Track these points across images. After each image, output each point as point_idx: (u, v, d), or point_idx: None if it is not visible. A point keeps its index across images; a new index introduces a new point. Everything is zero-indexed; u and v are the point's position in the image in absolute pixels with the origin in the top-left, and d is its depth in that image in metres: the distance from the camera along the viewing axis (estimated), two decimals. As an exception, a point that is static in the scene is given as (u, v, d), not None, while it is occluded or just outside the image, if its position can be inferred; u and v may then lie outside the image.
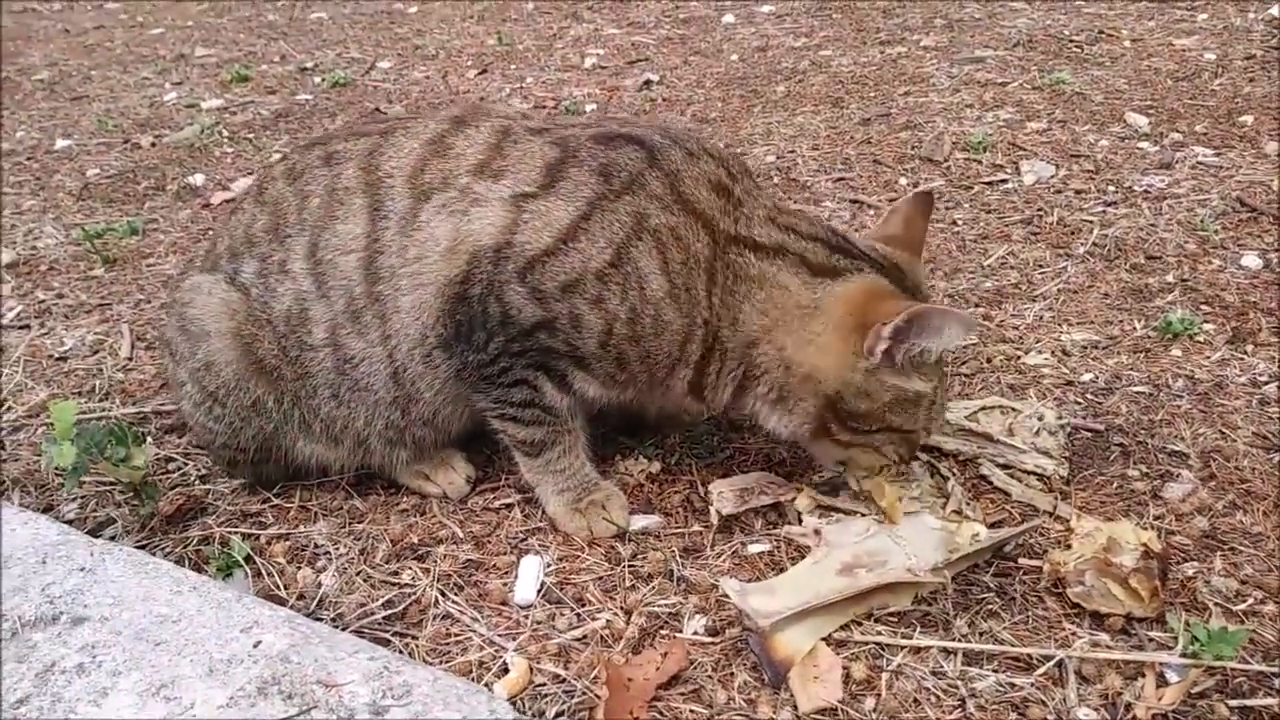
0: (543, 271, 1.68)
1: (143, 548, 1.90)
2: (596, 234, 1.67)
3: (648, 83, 4.69)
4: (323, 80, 5.18)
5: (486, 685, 1.52)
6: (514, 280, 1.68)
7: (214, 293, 1.85)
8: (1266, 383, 2.16)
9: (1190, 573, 1.69)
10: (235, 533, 1.92)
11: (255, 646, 1.36)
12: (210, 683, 1.30)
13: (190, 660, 1.34)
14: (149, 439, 2.24)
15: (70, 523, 1.97)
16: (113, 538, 1.94)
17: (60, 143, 4.45)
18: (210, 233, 2.99)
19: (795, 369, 1.70)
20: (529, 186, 1.71)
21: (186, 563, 1.86)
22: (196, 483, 2.11)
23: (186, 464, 2.17)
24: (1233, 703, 1.44)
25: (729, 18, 5.77)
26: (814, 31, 5.33)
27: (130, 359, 2.66)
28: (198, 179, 3.91)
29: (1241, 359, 2.25)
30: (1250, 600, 1.63)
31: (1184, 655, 1.51)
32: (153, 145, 4.37)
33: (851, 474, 1.85)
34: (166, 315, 2.01)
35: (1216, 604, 1.62)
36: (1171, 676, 1.49)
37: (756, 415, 1.80)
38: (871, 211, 3.16)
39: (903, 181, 3.35)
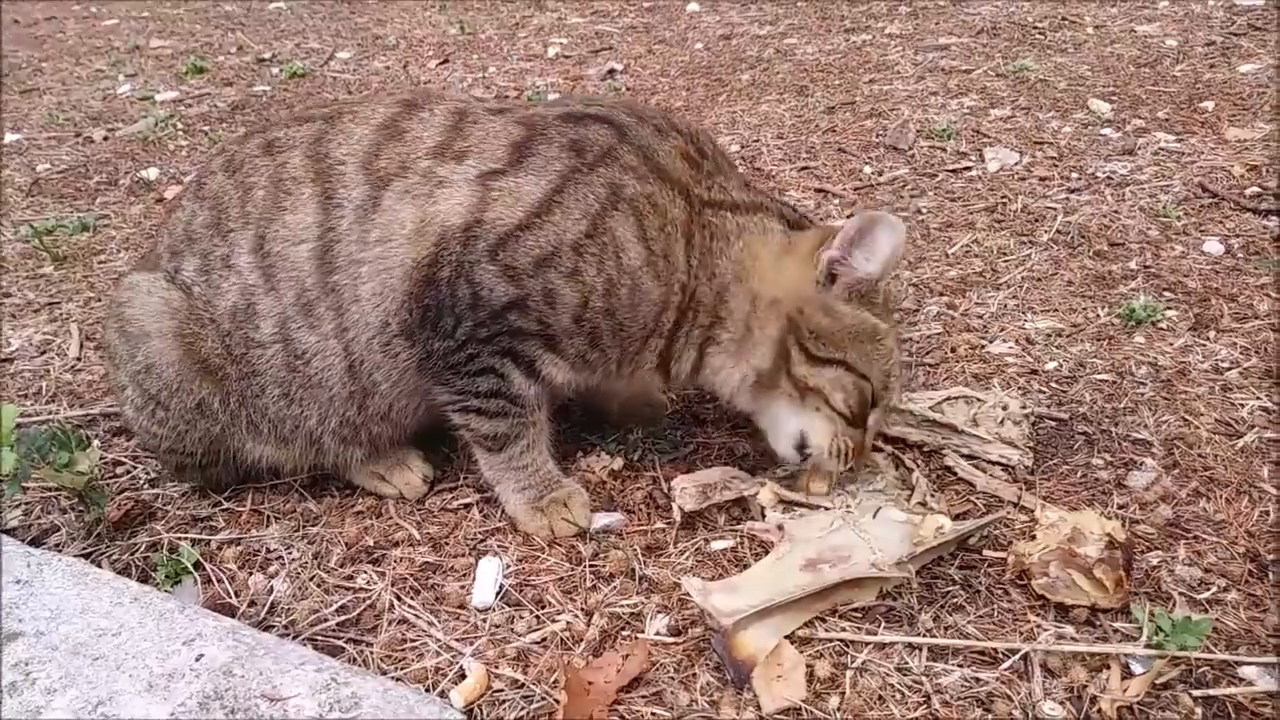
0: (515, 247, 1.66)
1: (88, 555, 1.84)
2: (570, 206, 1.67)
3: (611, 72, 4.64)
4: (280, 71, 5.08)
5: (443, 692, 1.48)
6: (485, 259, 1.66)
7: (153, 292, 1.79)
8: (1228, 369, 2.15)
9: (1154, 562, 1.68)
10: (185, 538, 1.86)
11: (198, 660, 1.31)
12: (150, 699, 1.25)
13: (130, 675, 1.29)
14: (96, 442, 2.17)
15: (12, 531, 1.91)
16: (58, 545, 1.88)
17: (9, 137, 4.33)
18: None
19: (760, 299, 1.74)
20: (496, 164, 1.69)
21: (134, 570, 1.81)
22: (145, 487, 2.05)
23: (135, 468, 2.11)
24: (1196, 692, 1.44)
25: (693, 5, 5.72)
26: (779, 19, 5.30)
27: (79, 359, 2.58)
28: (151, 173, 3.81)
29: (1204, 345, 2.24)
30: (1214, 588, 1.62)
31: (1148, 646, 1.50)
32: (105, 139, 4.26)
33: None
34: (105, 317, 1.95)
35: (1180, 593, 1.61)
36: (1136, 668, 1.48)
37: (716, 375, 1.81)
38: (836, 200, 3.13)
39: (867, 170, 3.33)
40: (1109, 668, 1.48)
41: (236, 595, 1.73)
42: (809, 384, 1.75)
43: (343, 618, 1.66)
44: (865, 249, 1.67)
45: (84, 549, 1.86)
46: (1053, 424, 2.03)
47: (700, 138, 1.82)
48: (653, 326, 1.75)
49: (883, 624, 1.58)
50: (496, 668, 1.53)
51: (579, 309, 1.70)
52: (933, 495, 1.84)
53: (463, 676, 1.51)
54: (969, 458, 1.93)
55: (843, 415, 1.75)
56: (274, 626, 1.65)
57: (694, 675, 1.51)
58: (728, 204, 1.77)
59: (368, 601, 1.69)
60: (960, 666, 1.50)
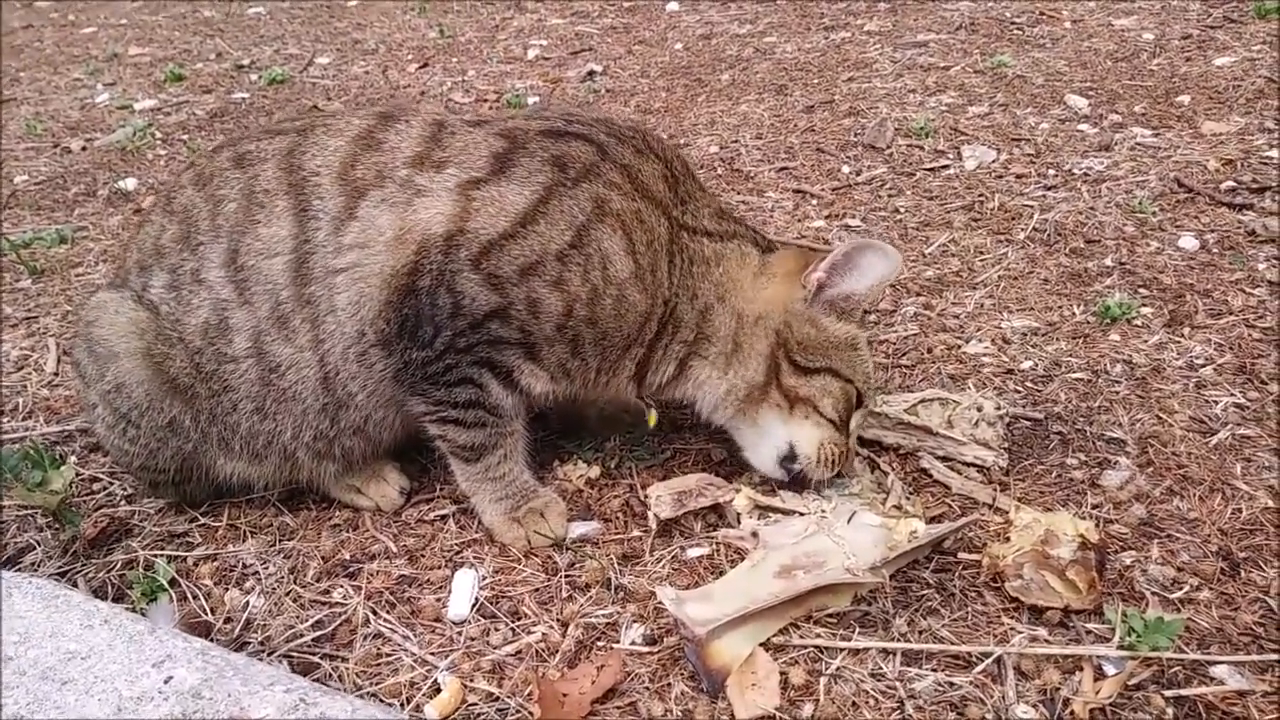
0: (500, 256, 1.67)
1: (64, 574, 1.84)
2: (556, 217, 1.68)
3: (591, 73, 4.64)
4: (259, 78, 5.06)
5: (418, 706, 1.48)
6: (467, 268, 1.66)
7: (121, 311, 1.78)
8: (1203, 365, 2.16)
9: (1128, 562, 1.68)
10: (160, 555, 1.86)
11: (166, 682, 1.31)
12: (118, 723, 1.25)
13: (98, 699, 1.28)
14: (73, 458, 2.17)
15: (-13, 551, 1.90)
16: (33, 564, 1.87)
17: (-14, 149, 4.31)
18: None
19: (746, 317, 1.80)
20: (477, 173, 1.70)
21: (110, 588, 1.80)
22: (122, 503, 2.04)
23: (112, 484, 2.10)
24: (1168, 693, 1.44)
25: (673, 5, 5.71)
26: (758, 18, 5.30)
27: (56, 374, 2.57)
28: (130, 183, 3.79)
29: (1178, 342, 2.25)
30: (1186, 587, 1.63)
31: (1121, 647, 1.51)
32: (83, 149, 4.24)
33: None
34: (74, 337, 1.94)
35: (1153, 593, 1.62)
36: (1109, 669, 1.49)
37: (699, 387, 1.85)
38: (814, 201, 3.13)
39: (845, 170, 3.33)
40: (1082, 669, 1.49)
41: (212, 612, 1.72)
42: (799, 394, 1.79)
43: (318, 633, 1.65)
44: (853, 274, 1.77)
45: (60, 568, 1.86)
46: (1028, 424, 2.04)
47: (674, 162, 1.86)
48: (635, 336, 1.78)
49: (857, 629, 1.58)
50: (471, 681, 1.53)
51: (562, 318, 1.71)
52: (908, 498, 1.84)
53: (438, 690, 1.51)
54: (944, 460, 1.93)
55: (831, 421, 1.79)
56: (249, 643, 1.64)
57: (669, 685, 1.51)
58: (702, 230, 1.83)
59: (343, 616, 1.69)
60: (934, 671, 1.51)
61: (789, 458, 1.82)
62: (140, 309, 1.77)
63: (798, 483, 1.85)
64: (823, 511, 1.78)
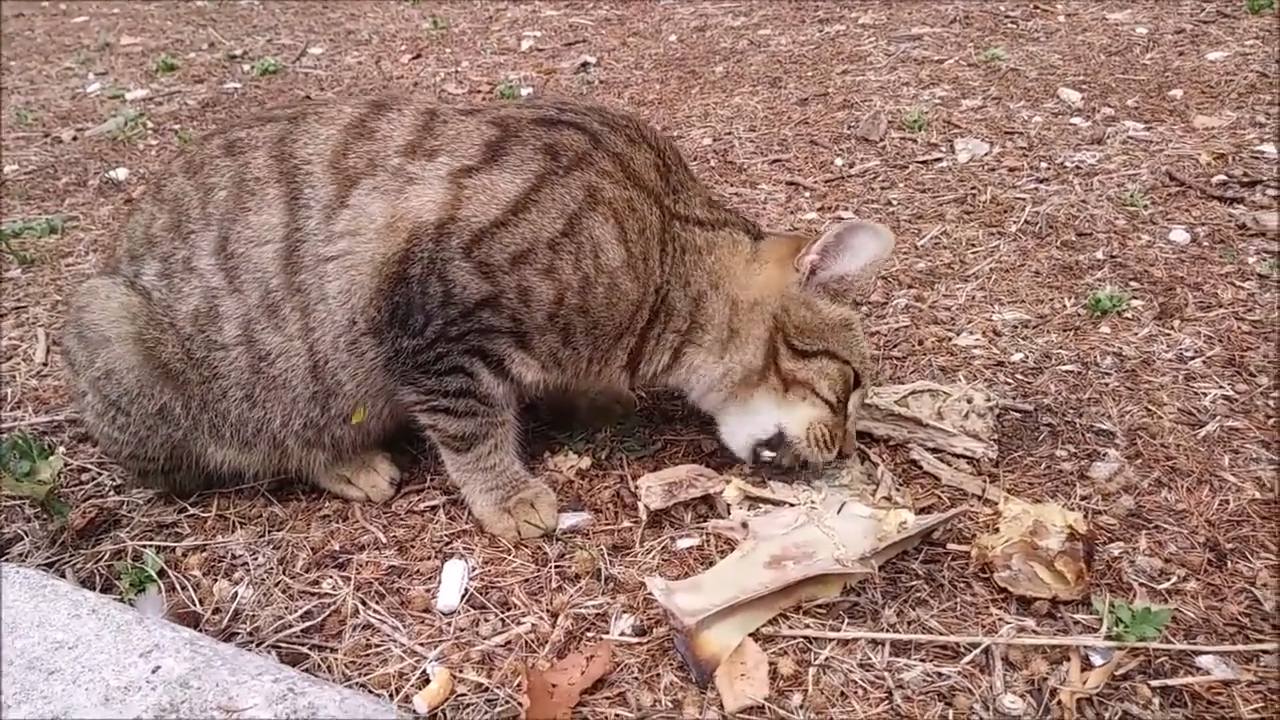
0: (491, 244, 1.66)
1: (53, 564, 1.83)
2: (547, 205, 1.68)
3: (585, 65, 4.63)
4: (252, 68, 5.04)
5: (407, 697, 1.48)
6: (458, 256, 1.66)
7: (112, 296, 1.77)
8: (1192, 358, 2.17)
9: (1116, 553, 1.69)
10: (149, 546, 1.85)
11: (154, 672, 1.30)
12: (105, 712, 1.24)
13: (85, 689, 1.28)
14: (61, 449, 2.16)
15: (-25, 541, 1.89)
16: (21, 555, 1.87)
17: (-24, 139, 4.28)
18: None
19: (741, 303, 1.80)
20: (469, 161, 1.69)
21: (98, 579, 1.80)
22: (110, 493, 2.04)
23: (100, 474, 2.09)
24: (1155, 683, 1.45)
25: (668, -3, 5.71)
26: (753, 10, 5.29)
27: (45, 364, 2.56)
28: (121, 173, 3.78)
29: (1168, 335, 2.26)
30: (1173, 578, 1.63)
31: (1108, 637, 1.51)
32: (74, 139, 4.22)
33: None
34: (64, 323, 1.94)
35: (1141, 584, 1.62)
36: (1096, 659, 1.49)
37: (694, 373, 1.85)
38: (808, 193, 3.13)
39: (839, 162, 3.33)
40: (1069, 659, 1.49)
41: (201, 603, 1.72)
42: (797, 377, 1.80)
43: (307, 624, 1.65)
44: (846, 255, 1.77)
45: (48, 558, 1.85)
46: (1018, 416, 2.04)
47: (667, 151, 1.86)
48: (627, 325, 1.78)
49: (846, 620, 1.58)
50: (461, 671, 1.53)
51: (553, 306, 1.71)
52: (898, 489, 1.85)
53: (427, 681, 1.51)
54: (934, 451, 1.94)
55: (827, 402, 1.80)
56: (238, 634, 1.64)
57: (658, 675, 1.51)
58: (694, 219, 1.83)
59: (332, 607, 1.68)
60: (922, 661, 1.51)
61: (769, 441, 1.83)
62: (132, 294, 1.77)
63: (772, 468, 1.87)
64: (812, 502, 1.78)
